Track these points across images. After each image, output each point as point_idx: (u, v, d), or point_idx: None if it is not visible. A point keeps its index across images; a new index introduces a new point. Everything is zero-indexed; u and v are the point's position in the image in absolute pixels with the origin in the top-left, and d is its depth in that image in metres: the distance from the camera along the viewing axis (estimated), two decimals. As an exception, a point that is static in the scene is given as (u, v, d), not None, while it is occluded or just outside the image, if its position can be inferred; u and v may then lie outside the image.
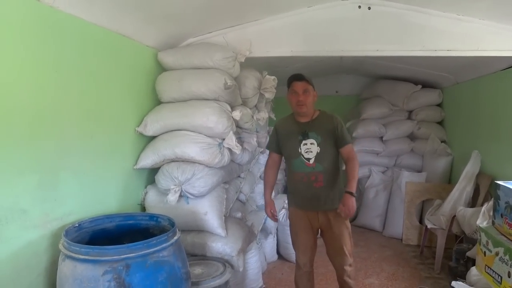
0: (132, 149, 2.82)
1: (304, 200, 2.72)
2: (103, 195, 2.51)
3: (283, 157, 2.88)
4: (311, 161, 2.65)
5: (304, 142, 2.66)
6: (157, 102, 3.04)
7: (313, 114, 2.74)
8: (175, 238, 2.02)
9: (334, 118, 2.73)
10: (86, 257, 1.78)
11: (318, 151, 2.64)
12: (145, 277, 1.82)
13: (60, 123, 2.13)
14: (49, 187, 2.08)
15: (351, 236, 2.75)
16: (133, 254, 1.80)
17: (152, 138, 2.91)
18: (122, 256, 1.78)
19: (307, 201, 2.71)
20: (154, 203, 2.78)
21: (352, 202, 2.53)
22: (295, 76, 2.69)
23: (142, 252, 1.82)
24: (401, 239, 4.86)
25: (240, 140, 3.06)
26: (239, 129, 3.16)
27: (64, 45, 2.13)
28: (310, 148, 2.64)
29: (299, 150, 2.66)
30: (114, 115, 2.62)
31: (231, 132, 2.82)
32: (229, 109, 2.89)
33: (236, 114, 2.88)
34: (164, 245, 1.91)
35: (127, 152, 2.78)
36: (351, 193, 2.54)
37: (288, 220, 2.94)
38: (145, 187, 2.94)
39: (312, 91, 2.69)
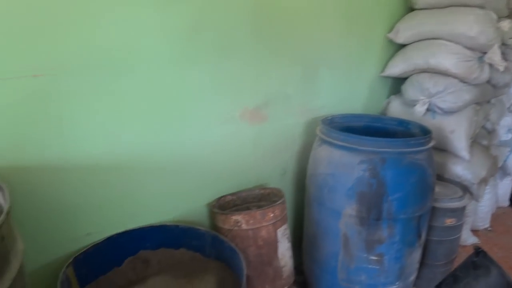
0: (379, 56, 2.73)
1: None
2: (350, 95, 2.55)
3: None
4: None
5: None
6: (409, 10, 2.83)
7: None
8: (431, 144, 1.92)
9: None
10: (344, 144, 1.84)
11: None
12: (398, 174, 1.80)
13: (320, 22, 2.18)
14: (309, 79, 2.21)
15: None
16: (391, 150, 1.78)
17: (401, 46, 2.75)
18: (380, 149, 1.78)
19: None
20: (397, 113, 2.68)
21: None
22: None
23: (399, 150, 1.79)
24: None
25: (503, 57, 2.64)
26: (502, 45, 2.72)
27: None
28: None
29: None
30: (366, 19, 2.53)
31: (496, 45, 2.43)
32: (496, 18, 2.48)
33: (505, 25, 2.47)
34: (420, 148, 1.84)
35: (374, 58, 2.71)
36: None
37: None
38: (387, 97, 2.87)
39: None
